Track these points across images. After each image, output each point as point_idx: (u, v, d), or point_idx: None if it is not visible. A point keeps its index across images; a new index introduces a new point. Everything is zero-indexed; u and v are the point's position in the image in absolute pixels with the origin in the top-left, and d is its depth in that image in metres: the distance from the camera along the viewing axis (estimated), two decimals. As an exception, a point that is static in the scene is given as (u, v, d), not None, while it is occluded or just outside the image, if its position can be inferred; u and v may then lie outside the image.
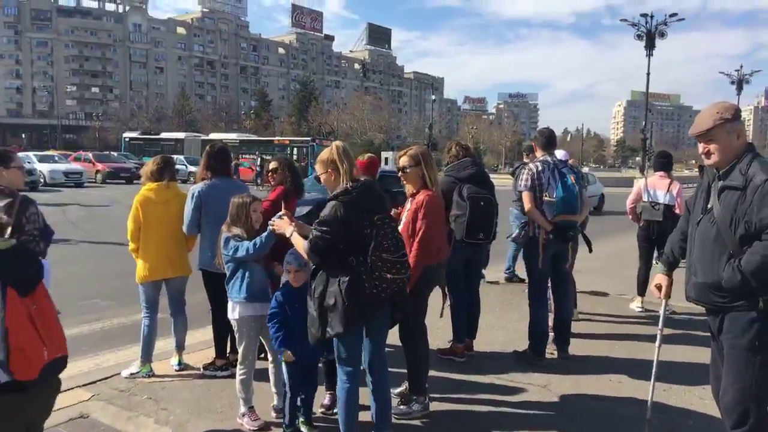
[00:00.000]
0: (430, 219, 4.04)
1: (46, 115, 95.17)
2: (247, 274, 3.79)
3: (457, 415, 4.12)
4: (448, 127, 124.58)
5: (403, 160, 4.19)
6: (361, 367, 3.51)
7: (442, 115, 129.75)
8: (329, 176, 3.39)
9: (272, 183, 5.09)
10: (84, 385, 4.51)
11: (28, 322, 2.22)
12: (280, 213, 3.67)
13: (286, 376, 3.67)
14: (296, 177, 4.94)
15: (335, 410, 3.86)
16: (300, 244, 3.33)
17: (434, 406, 4.17)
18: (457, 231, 4.92)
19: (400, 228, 4.09)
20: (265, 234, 3.67)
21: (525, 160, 7.74)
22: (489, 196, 5.06)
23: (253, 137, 50.52)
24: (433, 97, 77.42)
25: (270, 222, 3.64)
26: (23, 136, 75.89)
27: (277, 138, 49.55)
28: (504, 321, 6.38)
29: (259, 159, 29.55)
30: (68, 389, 4.38)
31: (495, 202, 5.12)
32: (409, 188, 4.27)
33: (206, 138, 43.60)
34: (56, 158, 31.07)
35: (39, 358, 2.27)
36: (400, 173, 4.24)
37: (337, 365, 3.43)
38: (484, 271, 6.89)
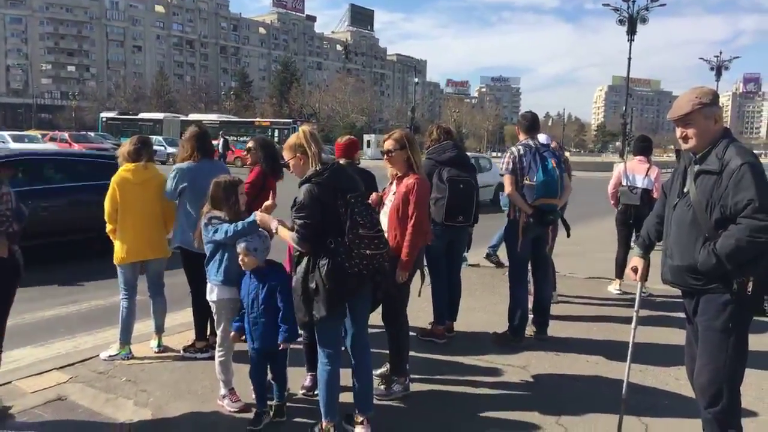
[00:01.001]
0: (422, 203, 4.05)
1: (21, 93, 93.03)
2: (226, 256, 3.76)
3: (437, 396, 4.16)
4: (430, 110, 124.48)
5: (389, 144, 4.18)
6: (342, 348, 3.52)
7: (425, 99, 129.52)
8: (298, 161, 3.40)
9: (248, 164, 5.07)
10: (61, 368, 4.46)
11: None
12: (266, 204, 3.65)
13: (257, 363, 3.68)
14: (272, 157, 4.91)
15: (316, 392, 3.88)
16: (288, 236, 3.34)
17: (415, 386, 4.20)
18: (437, 214, 4.94)
19: (386, 210, 4.11)
20: (247, 220, 3.64)
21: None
22: (469, 179, 5.08)
23: (234, 118, 50.00)
24: (416, 79, 77.02)
25: (255, 213, 3.62)
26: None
27: (257, 119, 49.10)
28: (484, 303, 6.43)
29: (221, 140, 28.90)
30: (45, 371, 4.37)
31: (475, 185, 5.14)
32: (392, 171, 4.27)
33: (185, 119, 43.07)
34: (31, 138, 30.46)
35: None
36: (385, 157, 4.23)
37: (318, 347, 3.43)
38: (466, 255, 6.92)
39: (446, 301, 5.24)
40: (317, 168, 3.27)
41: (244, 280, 3.64)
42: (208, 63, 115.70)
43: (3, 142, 26.70)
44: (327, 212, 3.22)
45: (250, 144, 5.12)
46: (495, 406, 4.00)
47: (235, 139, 35.16)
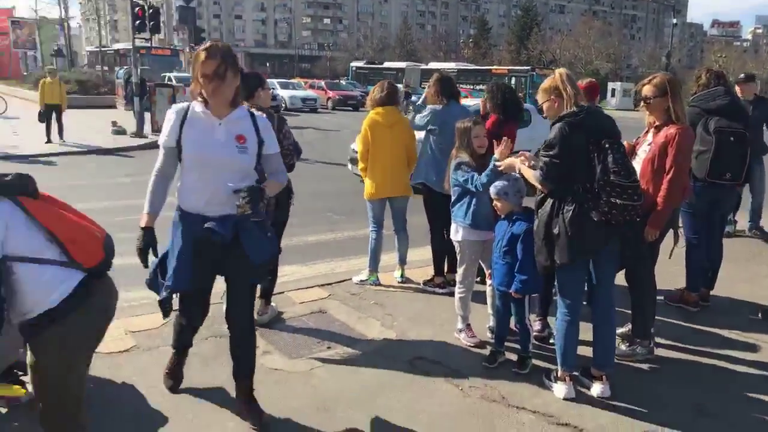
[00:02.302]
0: (683, 156, 3.68)
1: (286, 45, 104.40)
2: (474, 201, 3.86)
3: (683, 365, 3.85)
4: (689, 55, 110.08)
5: (647, 90, 3.83)
6: (584, 303, 3.44)
7: (683, 42, 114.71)
8: (552, 104, 3.28)
9: (484, 112, 5.10)
10: (322, 285, 5.10)
11: (61, 213, 2.19)
12: (499, 149, 3.63)
13: (498, 302, 3.75)
14: (509, 104, 4.85)
15: (552, 340, 3.87)
16: (530, 175, 3.31)
17: (659, 352, 3.94)
18: (700, 169, 4.44)
19: (639, 161, 3.82)
20: (489, 169, 3.67)
21: None
22: (742, 132, 4.43)
23: (471, 66, 50.09)
24: (674, 20, 68.41)
25: (494, 161, 3.63)
26: (267, 64, 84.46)
27: (494, 67, 48.49)
28: (750, 274, 5.68)
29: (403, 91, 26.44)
30: (309, 287, 5.02)
31: (749, 138, 4.47)
32: (650, 120, 3.92)
33: (425, 67, 44.34)
34: (294, 85, 34.17)
35: (93, 238, 2.23)
36: (642, 103, 3.90)
37: (558, 296, 3.39)
38: (734, 218, 6.15)
39: (702, 266, 4.74)
40: (573, 109, 3.15)
41: (500, 221, 3.70)
42: (449, 11, 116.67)
43: (273, 88, 30.45)
44: (577, 155, 3.11)
45: (486, 92, 5.12)
46: (751, 387, 3.57)
47: (472, 87, 35.29)
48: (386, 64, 51.25)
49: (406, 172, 5.15)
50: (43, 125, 14.07)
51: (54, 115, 14.14)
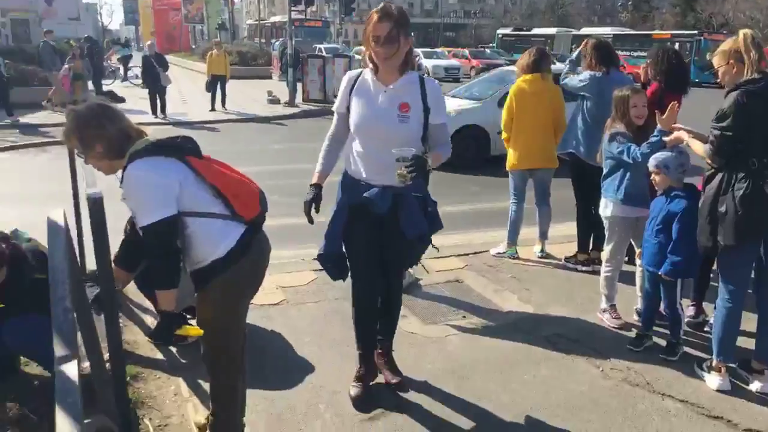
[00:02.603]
0: None
1: (431, 14, 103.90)
2: (628, 175, 3.63)
3: None
4: None
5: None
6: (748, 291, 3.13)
7: None
8: (730, 68, 2.96)
9: (644, 80, 4.73)
10: (458, 256, 5.12)
11: (223, 172, 2.32)
12: (663, 118, 3.35)
13: (647, 283, 3.51)
14: (674, 71, 4.42)
15: (706, 328, 3.59)
16: (700, 149, 3.05)
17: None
18: None
19: None
20: (651, 140, 3.40)
21: None
22: None
23: (629, 31, 46.53)
24: None
25: (659, 131, 3.36)
26: (412, 34, 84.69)
27: (656, 32, 44.65)
28: None
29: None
30: (446, 256, 5.06)
31: None
32: None
33: (577, 33, 41.92)
34: (438, 54, 34.02)
35: (252, 193, 2.37)
36: None
37: (720, 281, 3.12)
38: None
39: None
40: (754, 76, 2.83)
41: (657, 197, 3.48)
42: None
43: (417, 56, 30.57)
44: (754, 126, 2.81)
45: (649, 57, 4.73)
46: None
47: (629, 54, 32.85)
48: (534, 31, 49.17)
49: (552, 142, 4.95)
50: (209, 94, 15.36)
51: (219, 85, 15.36)
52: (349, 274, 2.99)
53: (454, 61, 32.81)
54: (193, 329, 2.25)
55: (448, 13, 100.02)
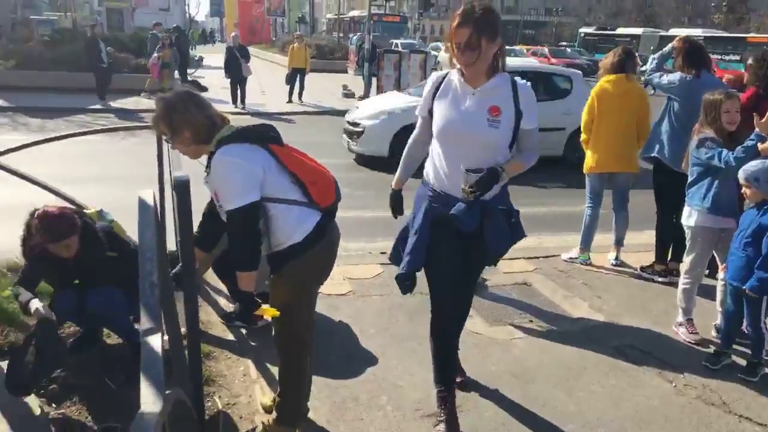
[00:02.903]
0: None
1: (512, 10, 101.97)
2: (716, 183, 3.45)
3: None
4: None
5: None
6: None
7: None
8: None
9: (741, 83, 4.48)
10: (528, 258, 5.03)
11: (302, 160, 2.39)
12: (762, 121, 3.16)
13: (729, 298, 3.33)
14: None
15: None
16: None
17: None
18: None
19: None
20: (744, 146, 3.22)
21: None
22: None
23: (721, 34, 44.05)
24: None
25: (756, 135, 3.18)
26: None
27: (751, 35, 42.05)
28: None
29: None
30: (515, 258, 4.97)
31: None
32: None
33: (665, 34, 40.04)
34: (516, 52, 33.33)
35: (328, 181, 2.43)
36: None
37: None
38: None
39: None
40: None
41: (748, 209, 3.30)
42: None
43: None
44: None
45: (749, 60, 4.47)
46: None
47: (720, 57, 31.10)
48: (619, 30, 47.37)
49: (634, 146, 4.77)
50: (287, 86, 15.71)
51: (298, 78, 15.69)
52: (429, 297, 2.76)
53: (532, 60, 32.05)
54: (269, 310, 2.34)
55: (529, 11, 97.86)
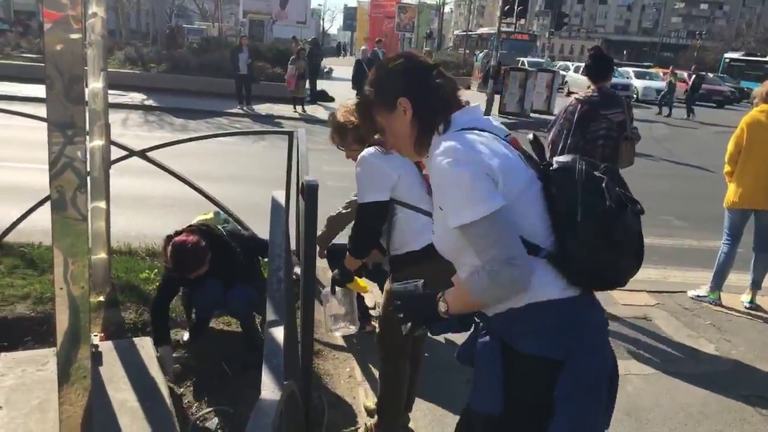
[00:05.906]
0: None
1: (649, 32, 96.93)
2: None
3: None
4: None
5: None
6: None
7: None
8: None
9: None
10: (650, 292, 4.75)
11: None
12: None
13: None
14: None
15: None
16: None
17: None
18: None
19: None
20: None
21: None
22: None
23: None
24: None
25: None
26: (624, 52, 79.91)
27: None
28: None
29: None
30: (636, 290, 4.71)
31: None
32: None
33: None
34: (651, 75, 31.59)
35: None
36: None
37: None
38: None
39: None
40: None
41: None
42: None
43: (627, 77, 28.74)
44: None
45: None
46: None
47: None
48: (770, 57, 43.51)
49: None
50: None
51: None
52: None
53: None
54: (361, 282, 2.57)
55: (669, 33, 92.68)
